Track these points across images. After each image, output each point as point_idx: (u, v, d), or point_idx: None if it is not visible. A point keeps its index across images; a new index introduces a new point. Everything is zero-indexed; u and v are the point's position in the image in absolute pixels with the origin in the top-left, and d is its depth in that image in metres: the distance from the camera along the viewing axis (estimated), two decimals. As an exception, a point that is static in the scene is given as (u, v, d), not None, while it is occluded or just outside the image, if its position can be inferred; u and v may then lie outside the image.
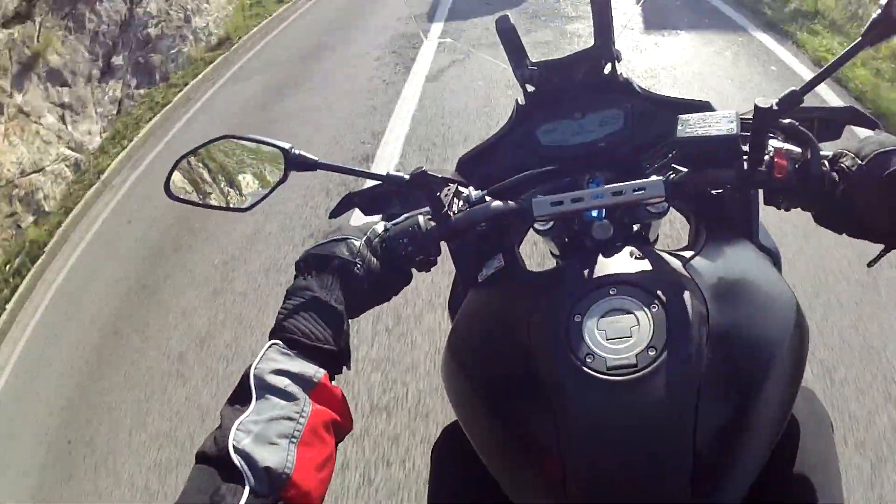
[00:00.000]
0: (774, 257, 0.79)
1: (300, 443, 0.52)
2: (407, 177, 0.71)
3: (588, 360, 0.59)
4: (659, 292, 0.62)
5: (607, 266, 0.66)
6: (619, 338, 0.60)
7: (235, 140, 0.75)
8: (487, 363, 0.68)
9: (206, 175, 0.77)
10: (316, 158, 0.71)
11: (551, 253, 1.05)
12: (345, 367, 0.65)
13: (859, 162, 0.60)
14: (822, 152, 0.65)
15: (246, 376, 0.56)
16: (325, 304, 0.63)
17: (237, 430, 0.51)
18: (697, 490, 0.56)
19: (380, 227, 0.72)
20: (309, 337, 0.60)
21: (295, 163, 0.71)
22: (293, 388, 0.55)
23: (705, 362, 0.57)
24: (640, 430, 0.57)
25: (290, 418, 0.53)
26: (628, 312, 0.61)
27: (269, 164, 0.75)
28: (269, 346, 0.59)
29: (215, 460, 0.50)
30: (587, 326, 0.61)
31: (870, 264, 0.67)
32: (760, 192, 0.77)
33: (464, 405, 0.71)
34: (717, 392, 0.57)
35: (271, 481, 0.48)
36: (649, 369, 0.58)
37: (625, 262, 0.67)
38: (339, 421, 0.59)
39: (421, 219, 0.71)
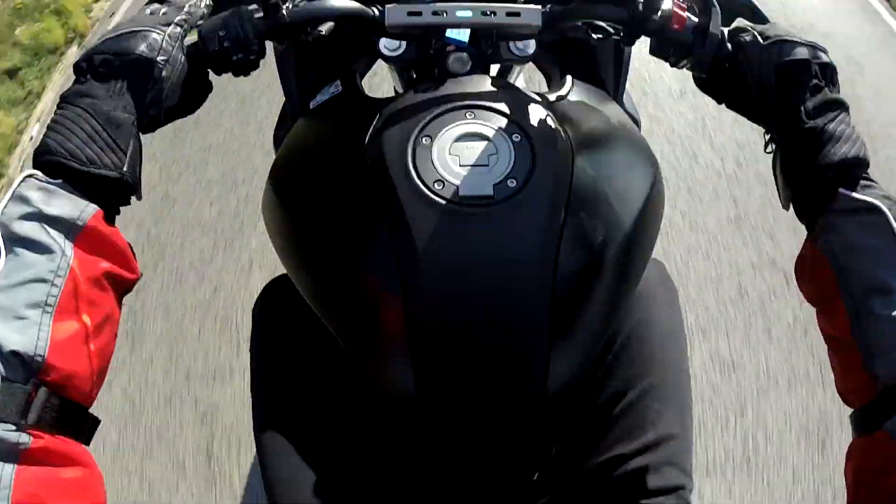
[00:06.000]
0: (637, 123, 0.75)
1: (57, 311, 0.40)
2: None
3: (437, 187, 0.51)
4: (522, 123, 0.55)
5: (464, 87, 0.58)
6: (474, 165, 0.52)
7: None
8: (316, 196, 0.58)
9: None
10: None
11: (396, 91, 0.94)
12: (134, 198, 0.51)
13: (760, 41, 0.57)
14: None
15: None
16: (109, 116, 0.47)
17: None
18: (555, 330, 0.51)
19: (191, 18, 0.56)
20: (80, 159, 0.45)
21: None
22: (49, 238, 0.41)
23: (568, 204, 0.52)
24: (495, 266, 0.51)
25: (42, 280, 0.40)
26: (487, 139, 0.53)
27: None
28: (22, 180, 0.43)
29: None
30: (437, 149, 0.53)
31: (767, 151, 0.61)
32: (633, 52, 0.72)
33: (289, 247, 0.60)
34: (578, 233, 0.52)
35: (24, 365, 0.38)
36: (509, 203, 0.51)
37: (485, 85, 0.58)
38: (116, 272, 0.46)
39: (245, 9, 0.57)
